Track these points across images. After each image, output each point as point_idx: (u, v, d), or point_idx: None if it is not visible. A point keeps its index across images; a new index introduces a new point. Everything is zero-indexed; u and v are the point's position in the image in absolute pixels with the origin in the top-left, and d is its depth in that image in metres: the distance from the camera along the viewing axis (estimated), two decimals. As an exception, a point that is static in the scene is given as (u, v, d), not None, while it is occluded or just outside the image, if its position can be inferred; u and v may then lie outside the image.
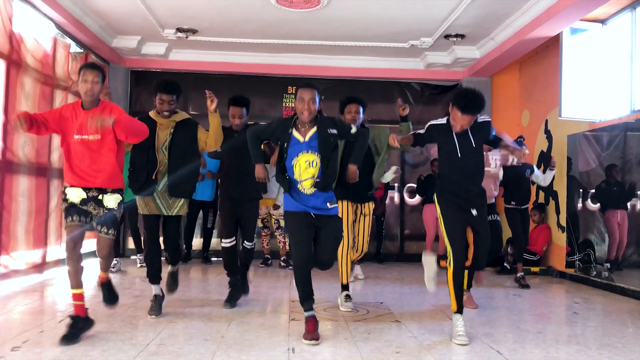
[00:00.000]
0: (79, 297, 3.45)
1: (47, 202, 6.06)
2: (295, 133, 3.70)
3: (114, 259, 6.12)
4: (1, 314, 4.04)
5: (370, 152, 4.59)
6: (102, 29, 7.04)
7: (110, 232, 3.58)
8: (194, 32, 7.18)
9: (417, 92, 8.59)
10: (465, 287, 4.51)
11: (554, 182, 7.18)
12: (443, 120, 3.83)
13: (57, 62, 6.24)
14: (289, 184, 3.68)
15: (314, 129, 3.69)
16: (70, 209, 3.50)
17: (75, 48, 6.81)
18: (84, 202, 3.52)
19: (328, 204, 3.70)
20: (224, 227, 4.62)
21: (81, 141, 3.47)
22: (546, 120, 7.39)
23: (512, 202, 6.24)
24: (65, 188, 3.56)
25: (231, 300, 4.53)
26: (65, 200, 3.53)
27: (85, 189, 3.52)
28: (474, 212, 3.74)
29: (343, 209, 4.51)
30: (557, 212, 7.08)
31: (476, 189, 3.83)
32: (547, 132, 7.38)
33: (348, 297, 4.63)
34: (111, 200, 3.56)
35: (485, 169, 5.07)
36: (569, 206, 6.83)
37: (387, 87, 8.54)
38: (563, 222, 6.90)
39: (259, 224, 7.08)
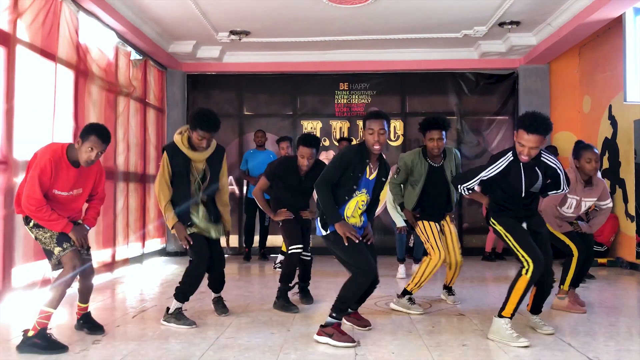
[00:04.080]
0: None
1: (114, 204, 6.34)
2: (369, 166, 3.50)
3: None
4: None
5: (446, 175, 4.46)
6: (159, 36, 7.29)
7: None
8: (246, 34, 7.32)
9: (471, 82, 8.42)
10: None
11: (620, 170, 6.89)
12: (509, 155, 3.48)
13: (119, 69, 6.52)
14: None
15: (375, 173, 3.53)
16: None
17: (135, 55, 7.09)
18: None
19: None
20: (289, 234, 4.45)
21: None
22: (610, 106, 7.08)
23: None
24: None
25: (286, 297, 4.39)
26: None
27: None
28: (524, 225, 3.58)
29: (431, 225, 4.50)
30: (625, 200, 6.78)
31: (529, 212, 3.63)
32: (612, 118, 7.07)
33: (450, 290, 4.79)
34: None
35: (558, 207, 4.38)
36: (638, 194, 6.53)
37: (440, 78, 8.42)
38: (632, 211, 6.60)
39: None
